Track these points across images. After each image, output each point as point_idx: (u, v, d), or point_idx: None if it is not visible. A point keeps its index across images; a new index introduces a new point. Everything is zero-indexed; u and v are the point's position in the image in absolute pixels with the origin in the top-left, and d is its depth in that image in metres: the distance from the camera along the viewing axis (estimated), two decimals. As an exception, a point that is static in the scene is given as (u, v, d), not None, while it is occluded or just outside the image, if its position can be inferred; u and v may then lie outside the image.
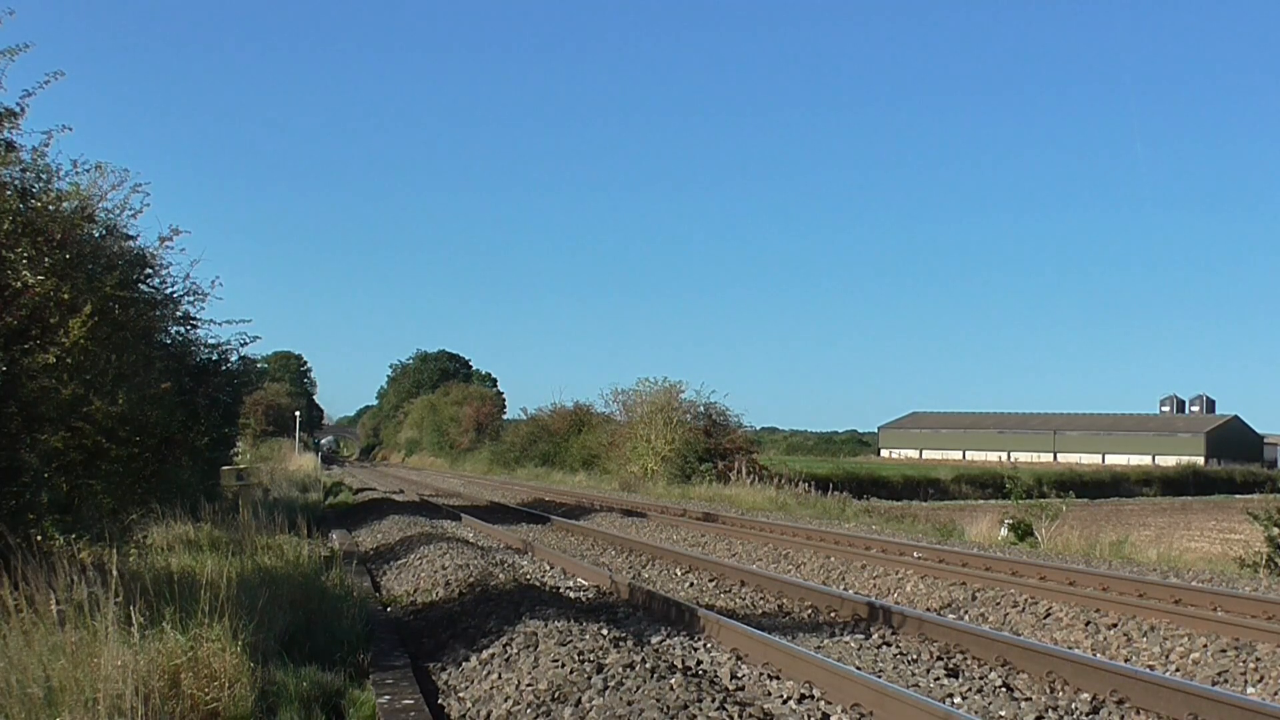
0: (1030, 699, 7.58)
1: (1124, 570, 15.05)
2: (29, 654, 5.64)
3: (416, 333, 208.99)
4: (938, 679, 8.10)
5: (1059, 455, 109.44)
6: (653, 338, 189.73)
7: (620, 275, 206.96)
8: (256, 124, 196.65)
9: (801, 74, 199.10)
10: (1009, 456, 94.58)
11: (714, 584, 13.72)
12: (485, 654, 8.08)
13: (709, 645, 9.17)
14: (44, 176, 9.93)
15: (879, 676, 7.89)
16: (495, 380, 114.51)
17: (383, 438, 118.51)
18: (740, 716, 6.34)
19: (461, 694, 7.39)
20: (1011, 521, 22.45)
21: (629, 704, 6.38)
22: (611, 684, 6.84)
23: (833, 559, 16.01)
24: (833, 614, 11.09)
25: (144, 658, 5.66)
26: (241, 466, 18.84)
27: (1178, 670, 8.83)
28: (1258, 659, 8.72)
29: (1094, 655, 9.28)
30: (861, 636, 9.77)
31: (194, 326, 15.29)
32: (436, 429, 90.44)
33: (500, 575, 12.34)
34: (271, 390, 70.56)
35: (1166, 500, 67.38)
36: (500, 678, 7.42)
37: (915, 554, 16.58)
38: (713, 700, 6.49)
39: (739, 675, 8.03)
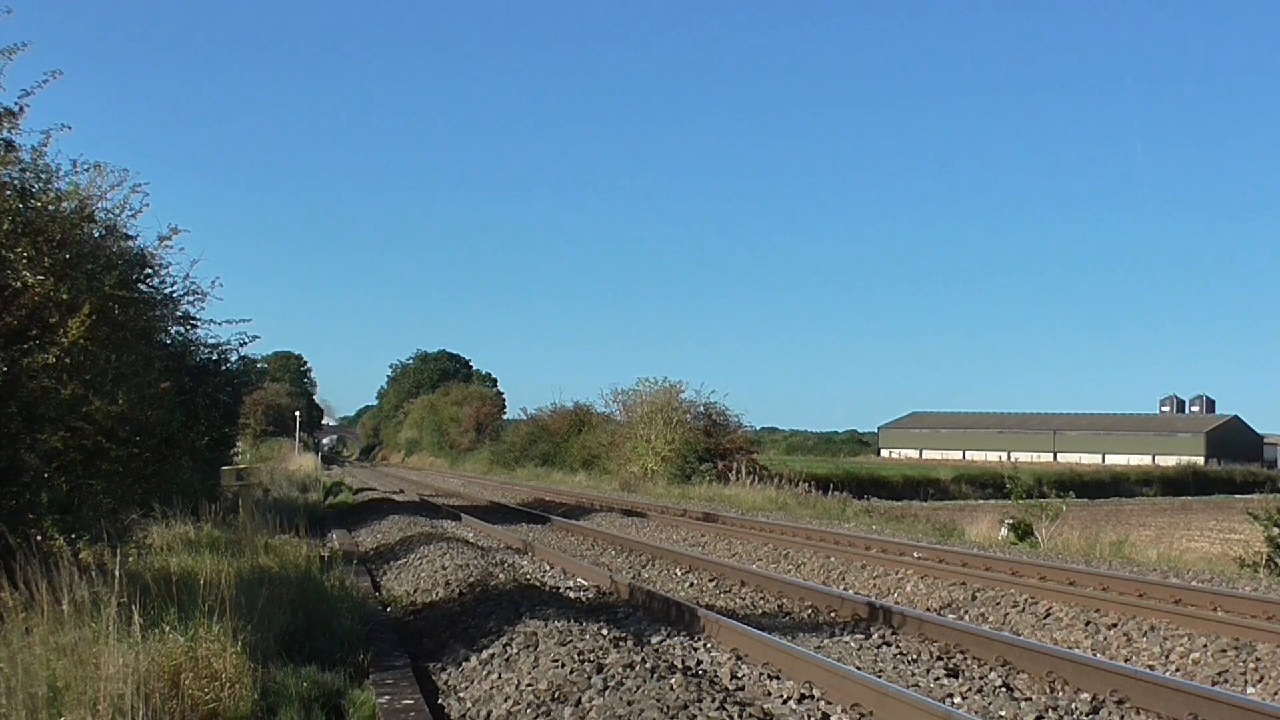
0: (1030, 699, 7.59)
1: (1124, 570, 15.05)
2: (31, 654, 5.64)
3: (416, 333, 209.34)
4: (938, 679, 8.10)
5: (1059, 455, 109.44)
6: (653, 338, 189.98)
7: (620, 275, 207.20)
8: (256, 124, 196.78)
9: (801, 74, 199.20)
10: (1009, 456, 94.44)
11: (714, 584, 13.72)
12: (485, 654, 8.08)
13: (709, 645, 9.17)
14: (43, 176, 9.91)
15: (879, 676, 7.89)
16: (495, 380, 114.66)
17: (383, 438, 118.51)
18: (740, 716, 6.34)
19: (461, 694, 7.39)
20: (1011, 521, 22.44)
21: (629, 704, 6.38)
22: (611, 684, 6.85)
23: (833, 559, 16.01)
24: (833, 614, 11.09)
25: (145, 658, 5.66)
26: (241, 466, 18.82)
27: (1178, 670, 8.84)
28: (1258, 659, 8.72)
29: (1094, 655, 9.28)
30: (861, 636, 9.77)
31: (194, 326, 15.27)
32: (436, 429, 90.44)
33: (500, 575, 12.33)
34: (271, 390, 70.58)
35: (1166, 500, 67.38)
36: (500, 678, 7.42)
37: (915, 554, 16.57)
38: (713, 700, 6.49)
39: (739, 675, 8.03)
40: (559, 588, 12.81)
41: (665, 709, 6.23)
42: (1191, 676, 8.54)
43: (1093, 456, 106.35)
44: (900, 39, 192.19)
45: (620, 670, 7.17)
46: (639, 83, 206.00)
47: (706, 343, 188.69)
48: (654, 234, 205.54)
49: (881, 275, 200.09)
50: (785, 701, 7.27)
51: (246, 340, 17.28)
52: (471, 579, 11.96)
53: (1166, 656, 9.21)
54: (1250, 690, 8.17)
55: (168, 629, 6.20)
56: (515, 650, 7.98)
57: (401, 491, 37.65)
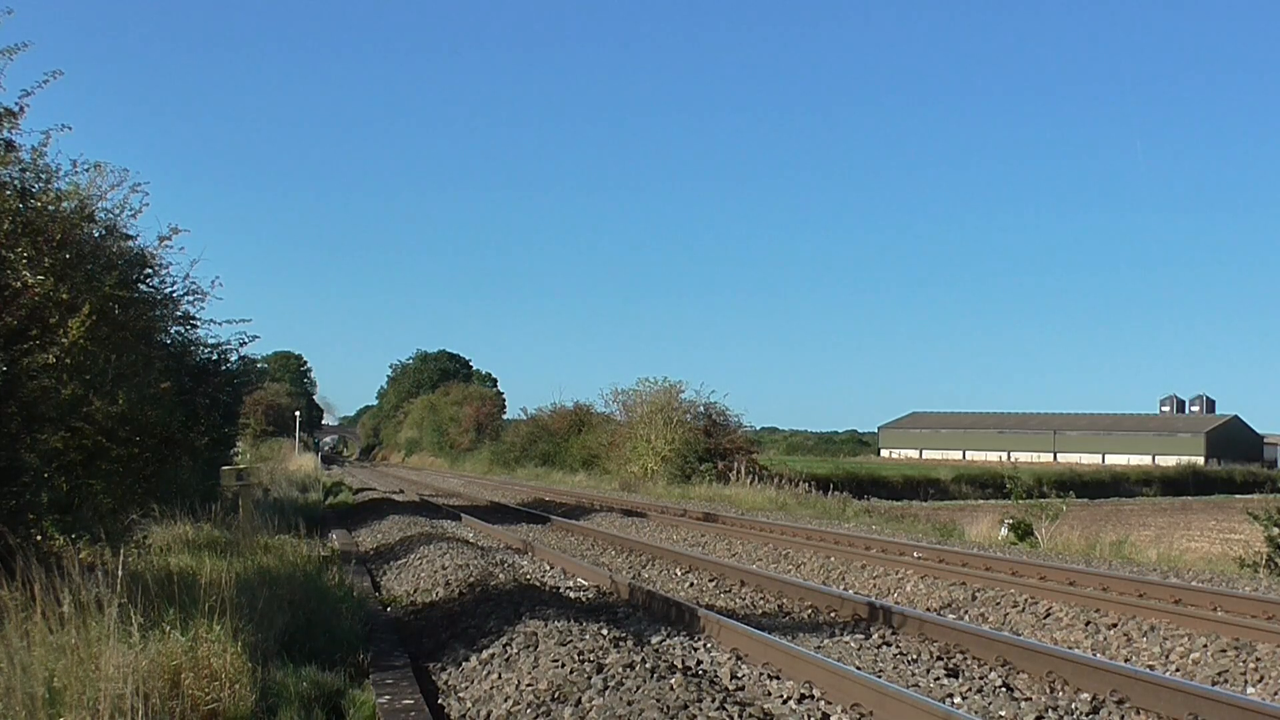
0: (1030, 699, 7.59)
1: (1124, 570, 15.05)
2: (30, 654, 5.63)
3: (416, 333, 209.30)
4: (938, 679, 8.10)
5: (1059, 455, 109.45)
6: (653, 338, 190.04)
7: (620, 275, 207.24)
8: (256, 124, 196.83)
9: (802, 74, 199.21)
10: (1009, 456, 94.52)
11: (714, 584, 13.72)
12: (485, 654, 8.08)
13: (709, 645, 9.17)
14: (43, 176, 9.92)
15: (879, 676, 7.89)
16: (495, 380, 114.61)
17: (383, 438, 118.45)
18: (740, 716, 6.34)
19: (461, 694, 7.39)
20: (1011, 521, 22.44)
21: (629, 704, 6.38)
22: (611, 684, 6.85)
23: (833, 559, 16.01)
24: (833, 614, 11.09)
25: (145, 658, 5.66)
26: (241, 466, 18.78)
27: (1178, 670, 8.83)
28: (1258, 659, 8.72)
29: (1094, 655, 9.28)
30: (861, 636, 9.77)
31: (194, 326, 15.27)
32: (436, 429, 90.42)
33: (500, 575, 12.33)
34: (271, 390, 70.55)
35: (1166, 500, 67.39)
36: (500, 678, 7.42)
37: (915, 554, 16.57)
38: (713, 700, 6.49)
39: (739, 675, 8.03)
40: (559, 588, 12.81)
41: (665, 709, 6.24)
42: (1191, 676, 8.54)
43: (1093, 456, 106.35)
44: (900, 39, 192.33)
45: (620, 670, 7.17)
46: (640, 83, 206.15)
47: (706, 343, 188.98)
48: (654, 234, 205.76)
49: (881, 275, 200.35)
50: (785, 701, 7.27)
51: (246, 340, 17.28)
52: (471, 579, 11.96)
53: (1166, 656, 9.21)
54: (1250, 690, 8.16)
55: (168, 629, 6.20)
56: (515, 650, 7.98)
57: (401, 491, 37.64)
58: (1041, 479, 35.79)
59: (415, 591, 12.05)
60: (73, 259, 9.61)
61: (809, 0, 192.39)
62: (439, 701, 7.31)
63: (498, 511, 27.86)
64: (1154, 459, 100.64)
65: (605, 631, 8.66)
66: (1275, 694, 8.02)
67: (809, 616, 11.12)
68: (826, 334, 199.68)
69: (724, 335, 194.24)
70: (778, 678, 7.91)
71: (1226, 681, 8.41)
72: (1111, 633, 10.11)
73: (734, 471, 40.00)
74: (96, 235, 10.91)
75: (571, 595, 12.24)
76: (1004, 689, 7.80)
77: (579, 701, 6.59)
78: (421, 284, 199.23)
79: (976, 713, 7.23)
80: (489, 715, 6.77)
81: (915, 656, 8.91)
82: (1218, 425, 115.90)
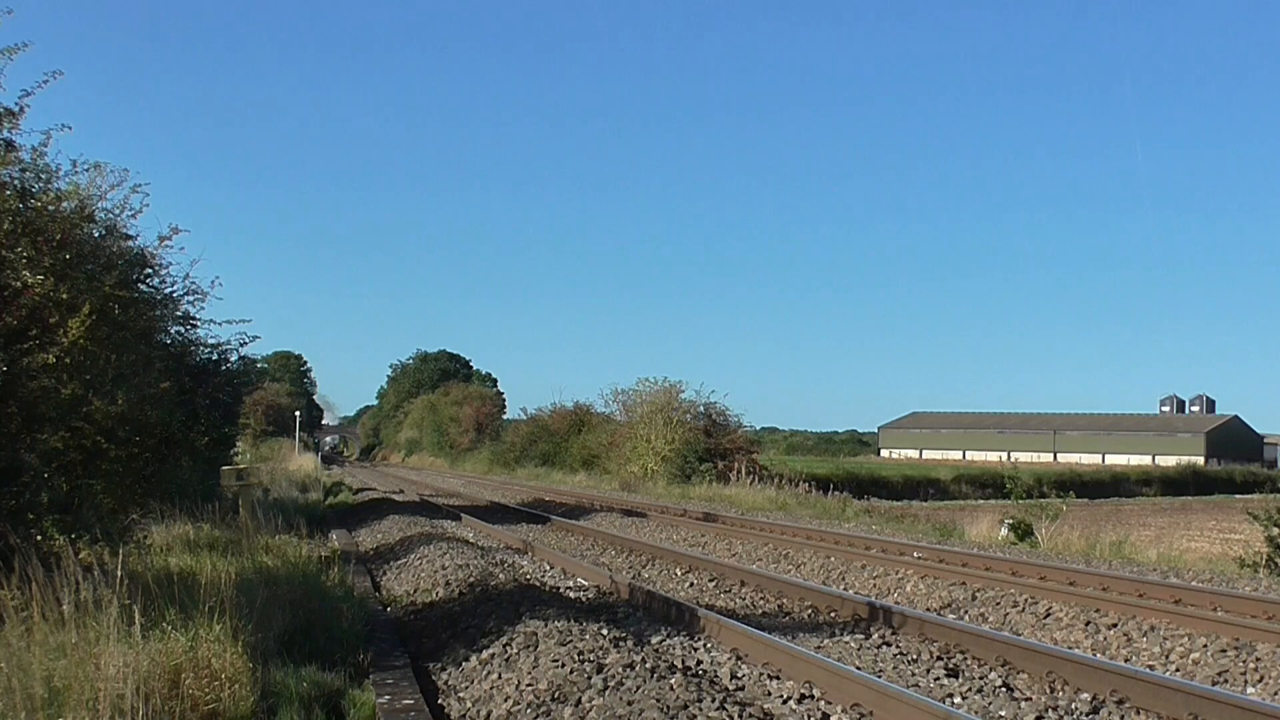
0: (1030, 699, 7.59)
1: (1124, 570, 15.04)
2: (31, 654, 5.63)
3: (416, 333, 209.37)
4: (938, 679, 8.10)
5: (1059, 455, 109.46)
6: (653, 338, 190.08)
7: (620, 275, 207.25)
8: (256, 124, 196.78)
9: (801, 74, 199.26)
10: (1009, 456, 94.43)
11: (714, 584, 13.72)
12: (485, 654, 8.08)
13: (709, 645, 9.17)
14: (43, 176, 9.92)
15: (879, 676, 7.89)
16: (495, 380, 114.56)
17: (383, 438, 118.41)
18: (740, 716, 6.34)
19: (461, 694, 7.39)
20: (1011, 521, 22.44)
21: (629, 704, 6.38)
22: (611, 684, 6.85)
23: (833, 559, 16.01)
24: (833, 614, 11.09)
25: (145, 658, 5.66)
26: (241, 466, 18.77)
27: (1178, 670, 8.84)
28: (1258, 659, 8.72)
29: (1094, 655, 9.28)
30: (861, 636, 9.77)
31: (194, 326, 15.29)
32: (436, 429, 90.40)
33: (500, 575, 12.33)
34: (271, 390, 70.56)
35: (1166, 500, 67.46)
36: (500, 678, 7.43)
37: (915, 554, 16.57)
38: (713, 700, 6.49)
39: (739, 675, 8.04)
40: (559, 588, 12.81)
41: (665, 709, 6.24)
42: (1191, 676, 8.54)
43: (1093, 456, 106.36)
44: (900, 39, 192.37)
45: (620, 670, 7.17)
46: (639, 82, 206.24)
47: (706, 343, 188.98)
48: (654, 234, 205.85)
49: (882, 275, 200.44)
50: (785, 701, 7.27)
51: (246, 340, 17.29)
52: (471, 579, 11.96)
53: (1166, 656, 9.21)
54: (1250, 690, 8.16)
55: (168, 629, 6.20)
56: (515, 650, 7.98)
57: (401, 491, 37.62)
58: (1041, 479, 35.82)
59: (415, 591, 12.05)
60: (73, 259, 9.61)
61: (809, 0, 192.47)
62: (439, 701, 7.31)
63: (498, 511, 27.86)
64: (1154, 459, 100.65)
65: (605, 631, 8.66)
66: (1275, 694, 8.02)
67: (809, 616, 11.12)
68: (826, 334, 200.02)
69: (724, 335, 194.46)
70: (778, 678, 7.91)
71: (1226, 681, 8.42)
72: (1111, 633, 10.11)
73: (734, 471, 39.98)
74: (96, 235, 10.92)
75: (571, 595, 12.24)
76: (1004, 689, 7.80)
77: (579, 701, 6.59)
78: (421, 284, 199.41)
79: (976, 713, 7.23)
80: (489, 715, 6.77)
81: (915, 656, 8.92)
82: (1218, 425, 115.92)
